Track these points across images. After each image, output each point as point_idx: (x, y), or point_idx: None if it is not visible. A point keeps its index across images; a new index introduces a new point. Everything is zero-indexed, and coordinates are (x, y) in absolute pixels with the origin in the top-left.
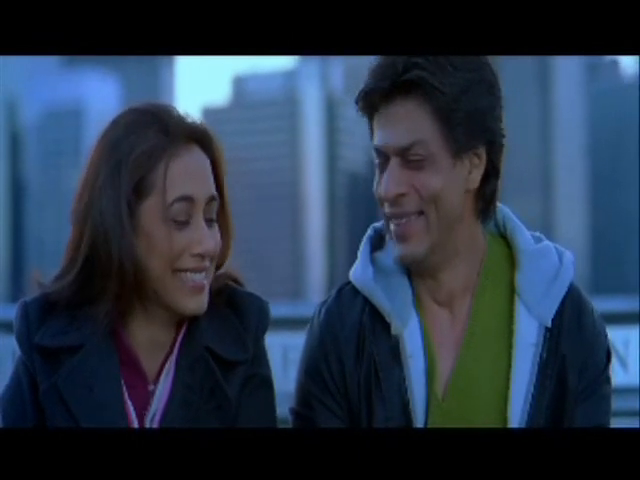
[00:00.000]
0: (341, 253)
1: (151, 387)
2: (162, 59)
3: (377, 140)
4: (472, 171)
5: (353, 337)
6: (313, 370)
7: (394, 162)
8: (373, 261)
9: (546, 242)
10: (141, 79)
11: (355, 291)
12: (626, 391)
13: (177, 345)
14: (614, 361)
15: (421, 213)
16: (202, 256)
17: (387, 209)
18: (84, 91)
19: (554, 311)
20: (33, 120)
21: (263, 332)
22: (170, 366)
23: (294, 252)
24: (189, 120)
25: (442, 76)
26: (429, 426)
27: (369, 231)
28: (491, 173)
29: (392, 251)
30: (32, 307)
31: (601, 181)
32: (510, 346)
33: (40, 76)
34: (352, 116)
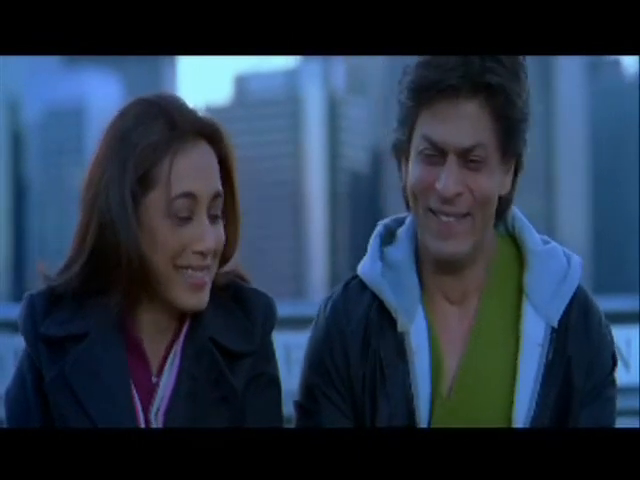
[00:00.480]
0: (343, 252)
1: (154, 377)
2: (164, 58)
3: (435, 135)
4: (507, 176)
5: (359, 332)
6: (318, 364)
7: (452, 160)
8: (382, 256)
9: (554, 244)
10: (143, 78)
11: (362, 285)
12: (627, 390)
13: (182, 336)
14: None
15: (467, 214)
16: (203, 254)
17: (436, 204)
18: (86, 90)
19: (561, 312)
20: (35, 119)
21: (270, 328)
22: (175, 356)
23: (296, 251)
24: (198, 114)
25: (516, 85)
26: (433, 423)
27: (379, 227)
28: (516, 178)
29: (404, 246)
30: (38, 299)
31: (602, 180)
32: (517, 345)
33: (42, 75)
34: (354, 115)
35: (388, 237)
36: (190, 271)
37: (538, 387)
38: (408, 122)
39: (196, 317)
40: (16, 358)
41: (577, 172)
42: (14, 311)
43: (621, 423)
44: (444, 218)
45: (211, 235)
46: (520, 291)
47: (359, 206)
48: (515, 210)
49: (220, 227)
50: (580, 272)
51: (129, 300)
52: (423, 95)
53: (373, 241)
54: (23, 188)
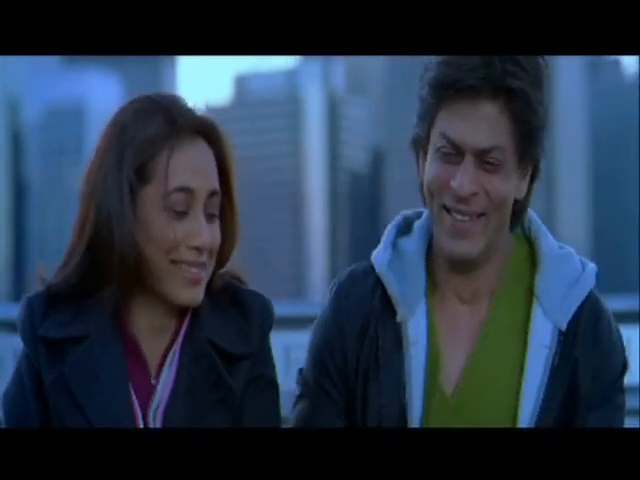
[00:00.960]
0: (343, 252)
1: (153, 378)
2: (164, 58)
3: (453, 134)
4: (523, 181)
5: (358, 314)
6: (315, 348)
7: (469, 160)
8: (395, 245)
9: (570, 250)
10: (143, 78)
11: (370, 270)
12: (627, 390)
13: (180, 338)
14: None
15: (482, 215)
16: (199, 249)
17: (451, 202)
18: (86, 90)
19: (570, 315)
20: (35, 119)
21: (268, 329)
22: (173, 358)
23: (296, 251)
24: (197, 113)
25: (537, 92)
26: (436, 422)
27: (398, 217)
28: (532, 183)
29: (417, 239)
30: (36, 301)
31: (602, 180)
32: (525, 347)
33: (42, 75)
34: (354, 115)
35: (405, 228)
36: (185, 266)
37: (543, 389)
38: (427, 118)
39: (194, 318)
40: (15, 358)
41: (577, 172)
42: (14, 311)
43: None
44: (458, 217)
45: (206, 231)
46: (531, 293)
47: (359, 206)
48: (532, 213)
49: (216, 226)
50: (594, 279)
51: (124, 297)
52: (443, 93)
53: (389, 230)
54: (23, 188)
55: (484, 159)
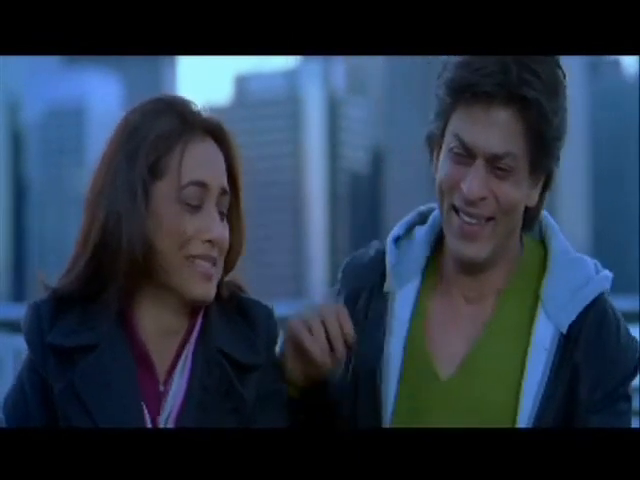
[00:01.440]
0: (343, 252)
1: (161, 384)
2: (164, 58)
3: (466, 136)
4: (535, 189)
5: (358, 283)
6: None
7: (480, 164)
8: (409, 228)
9: (583, 256)
10: (143, 78)
11: (382, 250)
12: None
13: (191, 346)
14: None
15: (491, 219)
16: (212, 243)
17: (460, 204)
18: (86, 90)
19: (572, 318)
20: (35, 119)
21: (274, 339)
22: (184, 365)
23: (295, 251)
24: (206, 114)
25: (553, 103)
26: (431, 407)
27: (423, 207)
28: (545, 191)
29: (429, 228)
30: (44, 307)
31: (602, 180)
32: (526, 347)
33: (42, 75)
34: (354, 115)
35: (425, 217)
36: (199, 260)
37: (543, 389)
38: (443, 117)
39: (205, 324)
40: (15, 359)
41: (577, 172)
42: (13, 311)
43: None
44: (467, 219)
45: (219, 226)
46: (537, 295)
47: (359, 206)
48: (548, 217)
49: (226, 225)
50: (605, 284)
51: (131, 299)
52: (459, 95)
53: (411, 214)
54: (23, 188)
55: (495, 164)
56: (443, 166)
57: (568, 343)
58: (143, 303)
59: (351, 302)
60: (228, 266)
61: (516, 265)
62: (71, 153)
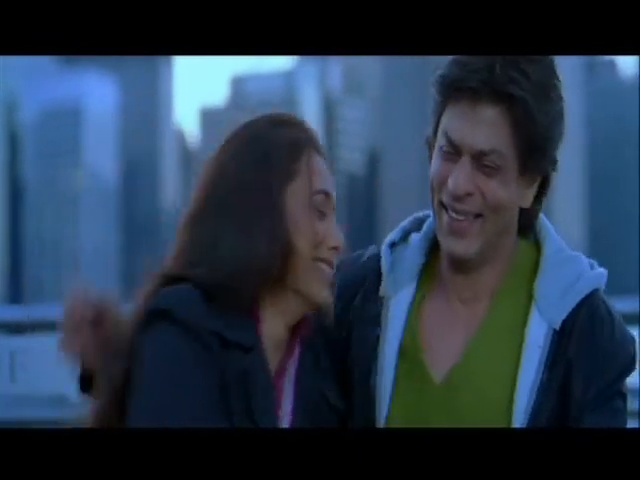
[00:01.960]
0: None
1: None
2: (161, 59)
3: (453, 133)
4: (528, 190)
5: (353, 285)
6: None
7: (466, 160)
8: (405, 233)
9: (578, 254)
10: (140, 79)
11: (378, 249)
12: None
13: (293, 361)
14: None
15: (479, 215)
16: (336, 250)
17: (447, 200)
18: (83, 91)
19: (565, 315)
20: (31, 120)
21: None
22: (289, 388)
23: None
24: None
25: (542, 103)
26: (425, 411)
27: (421, 213)
28: (542, 194)
29: (424, 232)
30: (195, 294)
31: (599, 181)
32: (521, 346)
33: (38, 76)
34: (350, 116)
35: (421, 223)
36: (325, 265)
37: (537, 387)
38: (435, 116)
39: (305, 340)
40: (11, 359)
41: (573, 173)
42: (10, 313)
43: None
44: (454, 215)
45: (341, 234)
46: (531, 295)
47: (355, 208)
48: (543, 218)
49: None
50: (598, 281)
51: (259, 306)
52: (448, 91)
53: (407, 220)
54: (19, 189)
55: (482, 161)
56: (434, 164)
57: (561, 339)
58: (268, 310)
59: (345, 299)
60: None
61: (510, 265)
62: (68, 154)
